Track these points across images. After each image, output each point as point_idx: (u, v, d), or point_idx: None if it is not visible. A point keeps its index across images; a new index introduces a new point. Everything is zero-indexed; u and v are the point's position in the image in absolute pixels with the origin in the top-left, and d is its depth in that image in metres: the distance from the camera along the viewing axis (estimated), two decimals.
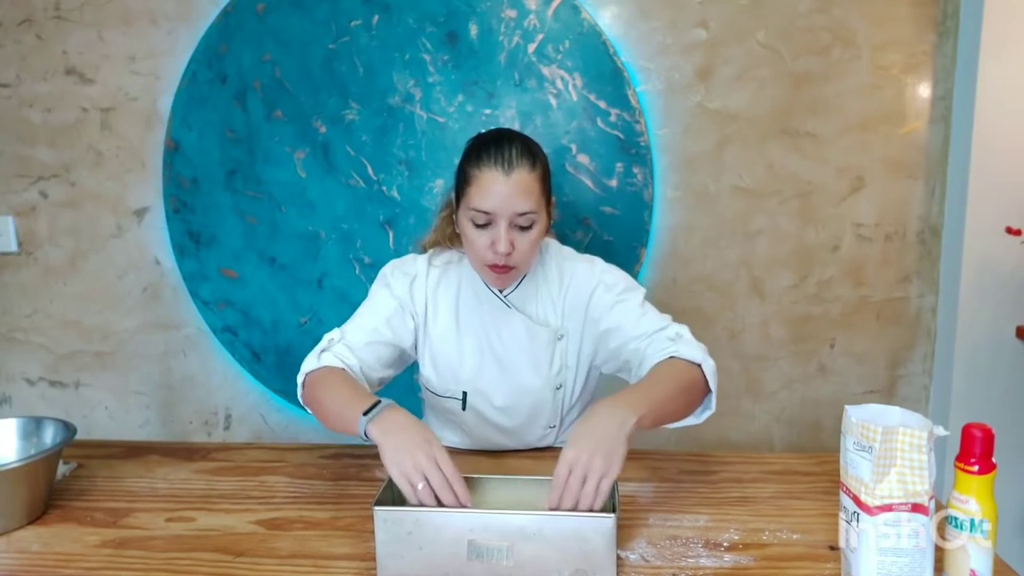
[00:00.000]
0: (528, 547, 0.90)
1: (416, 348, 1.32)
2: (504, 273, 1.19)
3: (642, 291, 1.27)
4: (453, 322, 1.29)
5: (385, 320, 1.25)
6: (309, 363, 1.19)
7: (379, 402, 1.03)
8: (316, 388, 1.15)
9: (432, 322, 1.30)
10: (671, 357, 1.15)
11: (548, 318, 1.28)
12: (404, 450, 0.95)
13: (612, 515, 0.90)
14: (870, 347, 1.98)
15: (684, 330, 1.21)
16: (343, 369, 1.17)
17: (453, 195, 1.25)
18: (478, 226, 1.16)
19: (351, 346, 1.21)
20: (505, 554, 0.91)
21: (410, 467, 0.94)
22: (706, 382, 1.15)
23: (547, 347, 1.28)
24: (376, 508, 0.92)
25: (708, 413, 1.18)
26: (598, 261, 1.32)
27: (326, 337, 1.23)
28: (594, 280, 1.27)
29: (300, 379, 1.20)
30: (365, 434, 1.00)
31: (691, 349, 1.16)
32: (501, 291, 1.28)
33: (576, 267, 1.30)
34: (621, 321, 1.23)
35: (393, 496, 0.98)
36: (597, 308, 1.26)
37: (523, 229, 1.16)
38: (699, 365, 1.15)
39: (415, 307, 1.29)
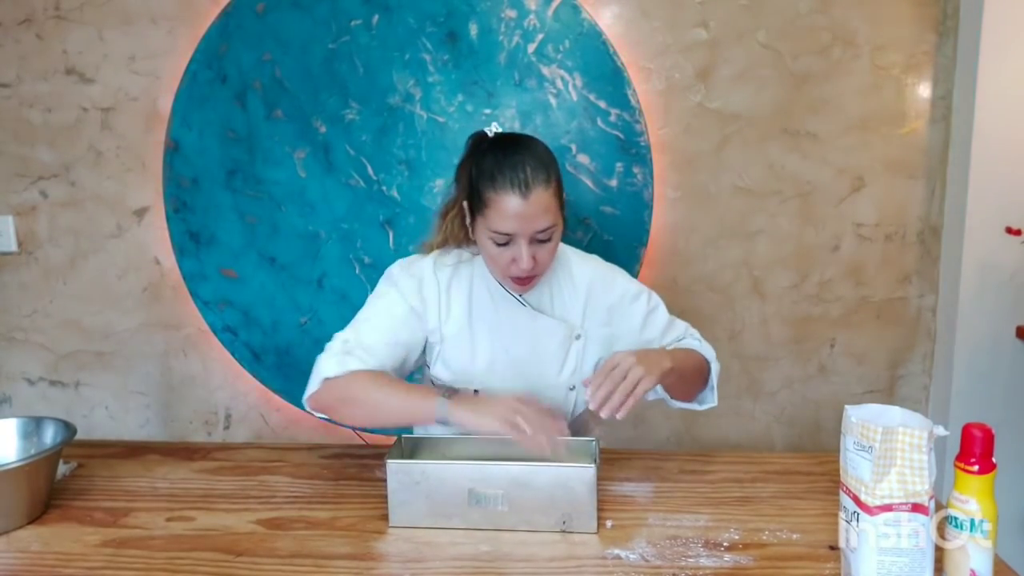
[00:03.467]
0: (520, 494, 1.03)
1: (425, 351, 1.31)
2: (527, 284, 1.22)
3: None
4: (466, 321, 1.28)
5: (400, 322, 1.25)
6: (328, 367, 1.18)
7: (443, 392, 1.17)
8: (357, 389, 1.17)
9: (445, 323, 1.28)
10: (689, 348, 1.30)
11: (567, 315, 1.29)
12: (493, 403, 1.09)
13: (592, 466, 1.03)
14: (870, 347, 1.98)
15: (702, 341, 1.34)
16: (380, 371, 1.19)
17: (466, 205, 1.23)
18: (498, 244, 1.17)
19: (369, 349, 1.21)
20: (500, 501, 1.04)
21: (503, 411, 1.06)
22: (708, 379, 1.30)
23: (562, 345, 1.28)
24: (388, 461, 1.06)
25: (710, 405, 1.32)
26: (615, 268, 1.36)
27: (338, 339, 1.22)
28: (618, 289, 1.31)
29: (317, 383, 1.19)
30: (441, 416, 1.10)
31: (707, 350, 1.31)
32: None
33: (602, 273, 1.33)
34: (655, 336, 1.33)
35: (402, 452, 1.14)
36: (626, 318, 1.31)
37: (543, 242, 1.17)
38: (708, 363, 1.30)
39: (426, 311, 1.27)
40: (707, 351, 1.31)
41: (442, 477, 1.05)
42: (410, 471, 1.06)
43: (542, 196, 1.13)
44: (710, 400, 1.31)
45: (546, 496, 1.03)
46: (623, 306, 1.29)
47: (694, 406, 1.33)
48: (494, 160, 1.15)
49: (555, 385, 1.29)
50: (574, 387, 1.30)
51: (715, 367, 1.31)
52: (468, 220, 1.24)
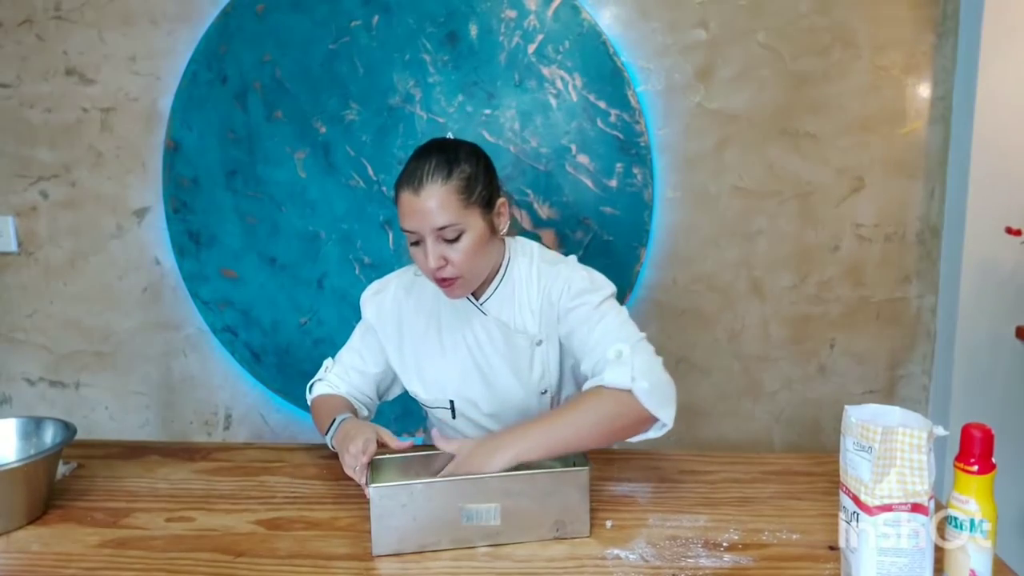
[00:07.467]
0: (513, 505, 1.00)
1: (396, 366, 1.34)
2: (450, 286, 1.18)
3: (605, 292, 1.21)
4: (436, 332, 1.28)
5: (366, 354, 1.35)
6: (308, 394, 1.37)
7: (333, 421, 1.21)
8: (314, 412, 1.33)
9: (409, 335, 1.30)
10: (598, 386, 1.11)
11: (526, 324, 1.25)
12: (345, 449, 1.11)
13: (585, 468, 1.01)
14: (870, 347, 1.98)
15: (626, 346, 1.12)
16: (331, 395, 1.33)
17: None
18: (413, 244, 1.18)
19: (341, 375, 1.35)
20: (493, 514, 1.00)
21: (347, 459, 1.10)
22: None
23: (525, 353, 1.25)
24: (374, 487, 0.98)
25: (666, 428, 1.12)
26: (571, 261, 1.28)
27: (325, 362, 1.38)
28: (562, 283, 1.22)
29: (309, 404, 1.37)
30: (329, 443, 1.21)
31: (618, 375, 1.09)
32: (477, 299, 1.25)
33: (551, 270, 1.25)
34: (574, 327, 1.19)
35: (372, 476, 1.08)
36: (560, 311, 1.22)
37: (450, 241, 1.14)
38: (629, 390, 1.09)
39: (385, 327, 1.31)
40: (618, 378, 1.08)
41: (431, 496, 0.99)
42: (397, 494, 0.98)
43: (437, 193, 1.12)
44: (664, 425, 1.11)
45: (539, 503, 1.00)
46: (562, 299, 1.21)
47: (643, 437, 1.13)
48: (406, 163, 1.18)
49: (524, 393, 1.27)
50: (546, 391, 1.27)
51: (639, 389, 1.07)
52: None
